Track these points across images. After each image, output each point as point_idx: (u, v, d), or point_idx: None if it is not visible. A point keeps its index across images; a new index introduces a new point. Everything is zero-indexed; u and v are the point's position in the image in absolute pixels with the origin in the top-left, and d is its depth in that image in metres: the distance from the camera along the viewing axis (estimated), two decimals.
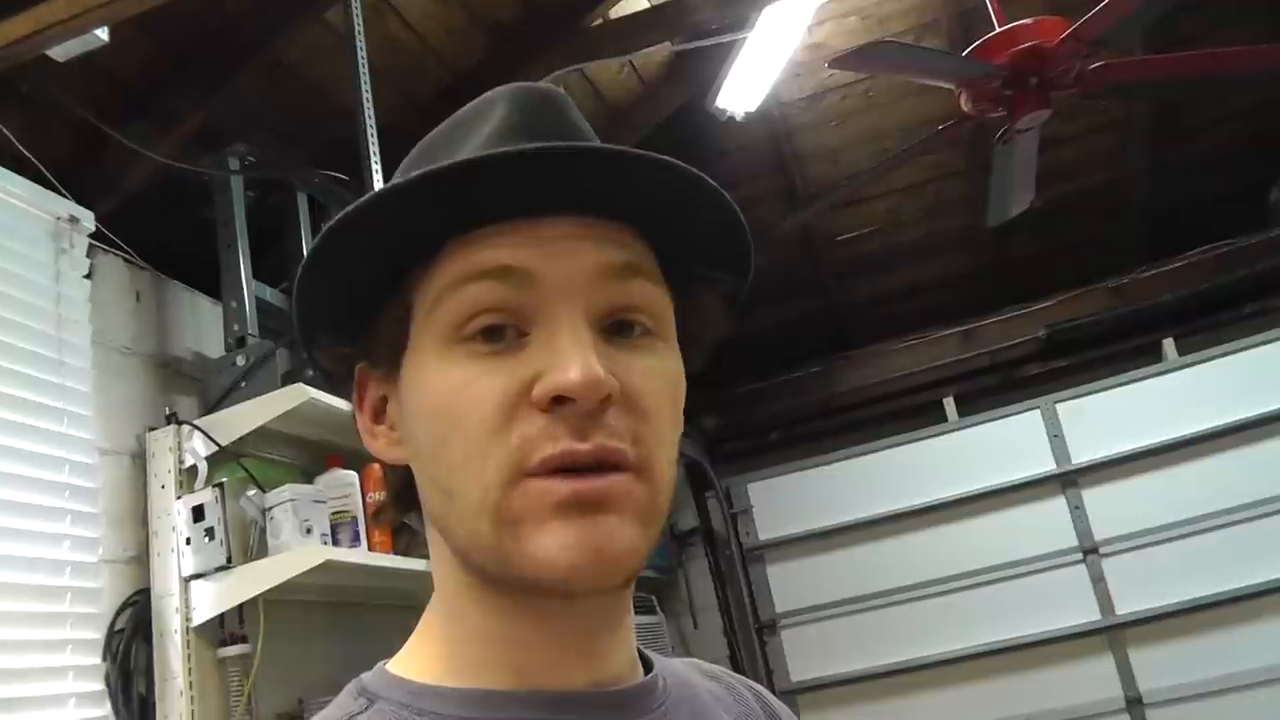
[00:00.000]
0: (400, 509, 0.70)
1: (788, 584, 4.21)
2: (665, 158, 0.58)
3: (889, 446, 4.21)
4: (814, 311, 4.71)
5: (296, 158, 2.72)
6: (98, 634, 2.10)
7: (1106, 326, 4.24)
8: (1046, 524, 3.91)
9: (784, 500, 4.26)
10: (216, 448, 2.26)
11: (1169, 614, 3.69)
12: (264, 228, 2.64)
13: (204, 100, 2.48)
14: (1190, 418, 3.80)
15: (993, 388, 4.40)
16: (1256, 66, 2.72)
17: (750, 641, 4.31)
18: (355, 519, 2.36)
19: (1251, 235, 4.13)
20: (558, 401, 0.56)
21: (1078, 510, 3.89)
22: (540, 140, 0.59)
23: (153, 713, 2.13)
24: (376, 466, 2.44)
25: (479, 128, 0.62)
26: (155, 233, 2.52)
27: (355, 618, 2.57)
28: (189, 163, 2.47)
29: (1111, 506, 3.85)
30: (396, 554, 2.42)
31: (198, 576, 2.18)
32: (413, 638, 0.67)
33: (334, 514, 2.33)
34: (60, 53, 1.95)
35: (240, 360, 2.42)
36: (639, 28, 3.28)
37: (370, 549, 2.38)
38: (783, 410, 4.59)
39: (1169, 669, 3.69)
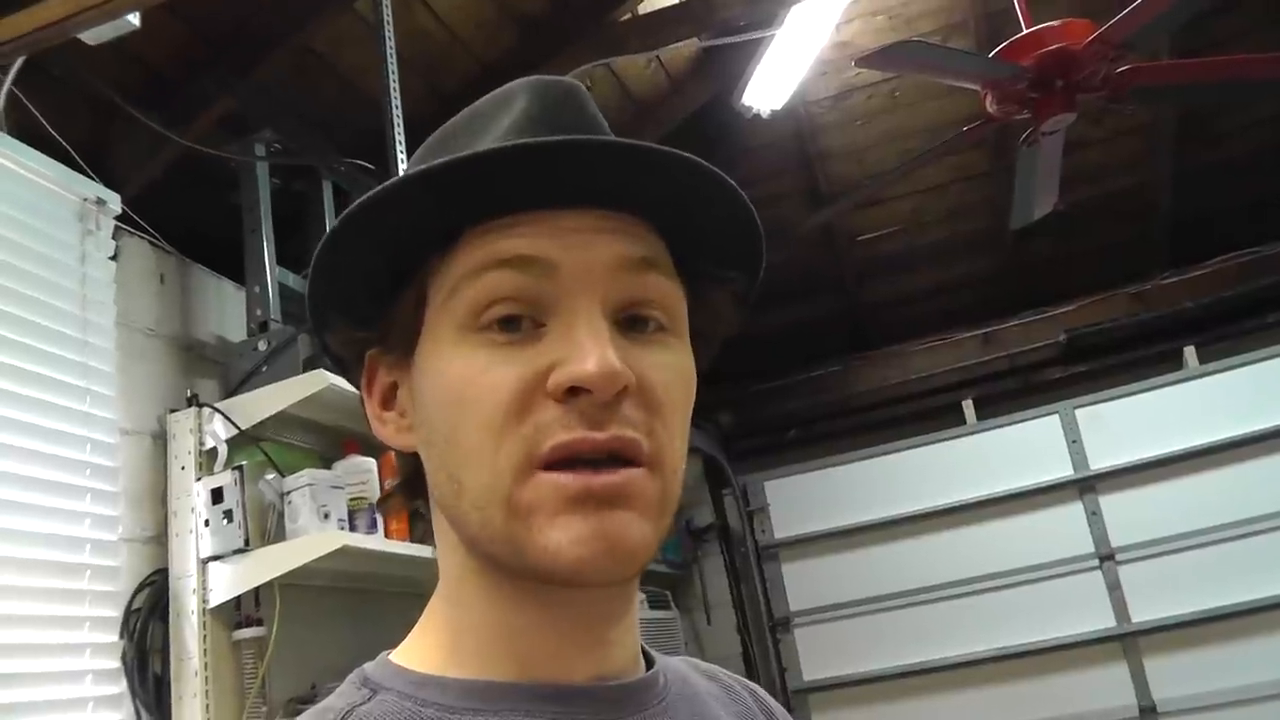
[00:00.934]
0: (408, 496, 0.70)
1: (802, 582, 4.21)
2: (684, 154, 0.58)
3: (907, 448, 4.19)
4: (834, 310, 4.70)
5: (322, 145, 2.74)
6: (116, 612, 2.12)
7: (1127, 332, 4.22)
8: (1063, 529, 3.89)
9: (800, 498, 4.25)
10: (237, 431, 2.28)
11: (1184, 623, 3.67)
12: (288, 214, 2.66)
13: (232, 86, 2.50)
14: (1210, 426, 3.77)
15: (1012, 391, 4.39)
16: None
17: (763, 639, 4.31)
18: (372, 505, 2.37)
19: (1276, 244, 4.10)
20: (573, 392, 0.56)
21: (1094, 516, 3.87)
22: (560, 133, 0.60)
23: (168, 692, 2.15)
24: (394, 455, 2.47)
25: (499, 119, 0.62)
26: (181, 216, 2.54)
27: (370, 604, 2.58)
28: (216, 148, 2.49)
29: (1129, 513, 3.83)
30: (413, 541, 2.44)
31: (215, 558, 2.20)
32: (417, 627, 0.67)
33: (351, 500, 2.35)
34: (92, 37, 1.97)
35: (262, 345, 2.44)
36: (667, 23, 3.28)
37: (387, 536, 2.39)
38: (801, 408, 4.58)
39: (1183, 678, 3.66)
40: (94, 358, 2.18)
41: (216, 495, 2.22)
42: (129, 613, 2.15)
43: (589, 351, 0.56)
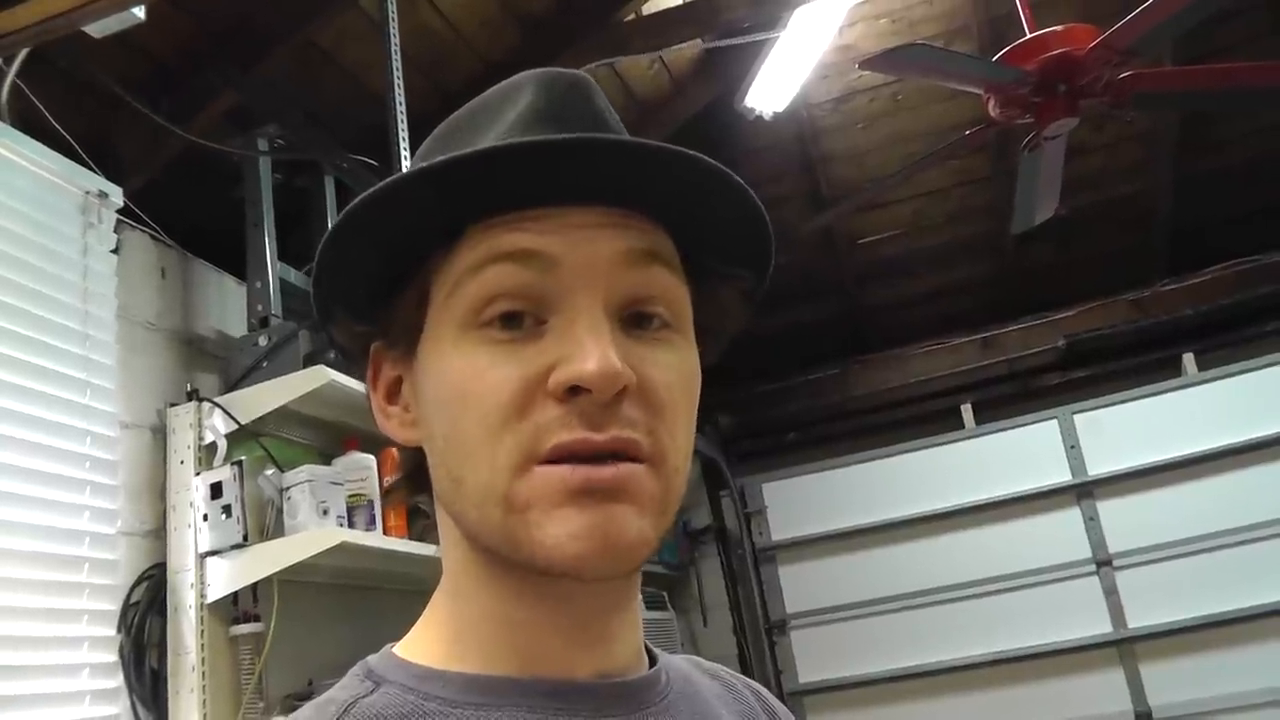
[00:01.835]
0: (411, 490, 0.70)
1: (799, 585, 4.21)
2: (691, 152, 0.57)
3: (905, 451, 4.20)
4: (834, 313, 4.70)
5: (326, 141, 2.74)
6: (114, 605, 2.12)
7: (1126, 339, 4.23)
8: (1060, 535, 3.90)
9: (798, 501, 4.26)
10: (236, 426, 2.28)
11: (1181, 629, 3.68)
12: (291, 209, 2.66)
13: (236, 81, 2.50)
14: (1208, 433, 3.78)
15: (1010, 396, 4.39)
16: None
17: (759, 641, 4.31)
18: (372, 502, 2.37)
19: (1275, 252, 4.11)
20: (573, 391, 0.56)
21: (1092, 522, 3.87)
22: (566, 127, 0.59)
23: (164, 686, 2.14)
24: (394, 451, 2.47)
25: (504, 112, 0.62)
26: (183, 211, 2.54)
27: (368, 601, 2.58)
28: (219, 142, 2.50)
29: (1126, 519, 3.83)
30: (411, 539, 2.44)
31: (213, 553, 2.20)
32: (420, 621, 0.67)
33: (350, 496, 2.34)
34: (97, 29, 1.97)
35: (263, 340, 2.43)
36: (671, 24, 3.28)
37: (385, 533, 2.39)
38: (800, 411, 4.59)
39: (1179, 684, 3.67)
40: (95, 351, 2.18)
41: (215, 490, 2.21)
42: (127, 606, 2.15)
43: (589, 351, 0.55)
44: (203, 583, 2.19)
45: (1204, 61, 2.99)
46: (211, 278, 2.63)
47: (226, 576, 2.18)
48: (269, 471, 2.31)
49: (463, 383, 0.58)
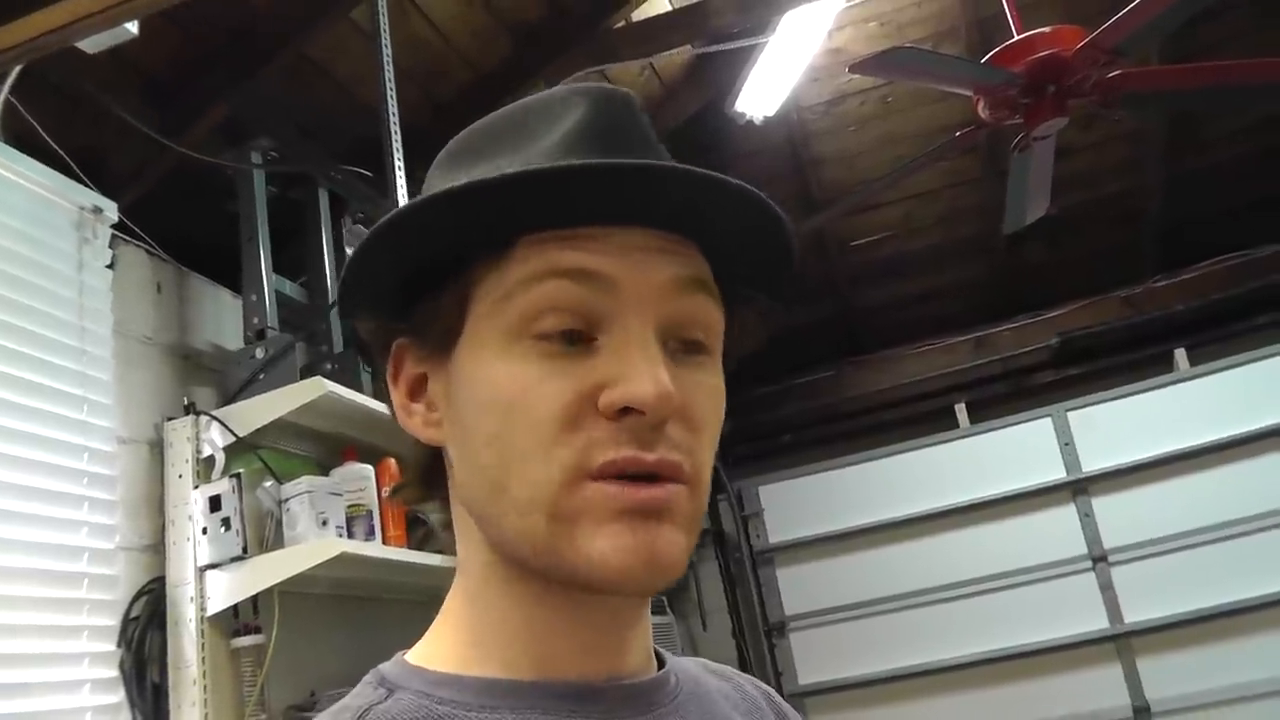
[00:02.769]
0: (422, 492, 0.71)
1: (797, 587, 4.22)
2: (746, 185, 0.59)
3: (900, 452, 4.22)
4: (827, 315, 4.71)
5: (319, 153, 2.75)
6: (113, 620, 2.11)
7: (1119, 336, 4.25)
8: (1056, 531, 3.92)
9: (795, 503, 4.27)
10: (234, 439, 2.28)
11: (1177, 623, 3.70)
12: (285, 222, 2.66)
13: (229, 94, 2.50)
14: (1201, 428, 3.80)
15: (1004, 395, 4.41)
16: (1273, 79, 2.72)
17: (759, 644, 4.32)
18: (371, 513, 2.37)
19: (1265, 247, 4.13)
20: (624, 412, 0.57)
21: (1087, 518, 3.89)
22: (617, 146, 0.60)
23: (166, 701, 2.14)
24: (392, 461, 2.47)
25: (554, 123, 0.62)
26: (177, 225, 2.54)
27: (368, 611, 2.58)
28: (212, 156, 2.50)
29: (1121, 515, 3.85)
30: (411, 548, 2.44)
31: (213, 566, 2.20)
32: (433, 627, 0.68)
33: (350, 507, 2.34)
34: (90, 45, 1.97)
35: (259, 353, 2.44)
36: (660, 30, 3.29)
37: (385, 543, 2.39)
38: (795, 414, 4.60)
39: (1177, 678, 3.69)
40: (91, 366, 2.18)
41: (214, 503, 2.21)
42: (127, 621, 2.14)
43: (645, 374, 0.57)
44: (203, 596, 2.19)
45: (1191, 60, 3.01)
46: (207, 291, 2.63)
47: (226, 589, 2.18)
48: (267, 483, 2.31)
49: (511, 392, 0.59)
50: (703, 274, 0.63)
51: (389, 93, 2.47)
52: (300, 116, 2.73)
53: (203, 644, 2.16)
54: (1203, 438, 3.79)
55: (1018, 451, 4.03)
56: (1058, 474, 3.96)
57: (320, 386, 2.26)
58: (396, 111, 2.47)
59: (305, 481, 2.27)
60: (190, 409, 2.33)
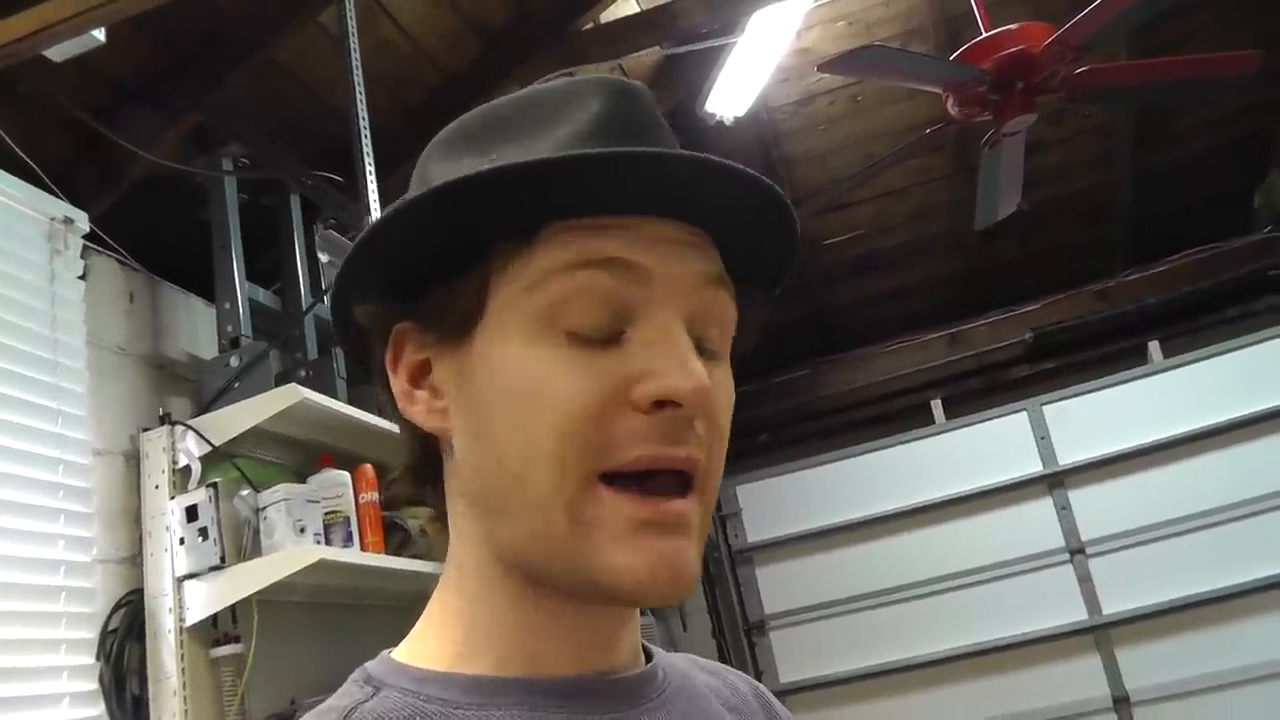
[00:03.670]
0: (416, 482, 0.69)
1: (776, 585, 4.23)
2: (769, 182, 0.59)
3: (877, 449, 4.23)
4: (801, 315, 4.73)
5: (289, 159, 2.74)
6: (92, 633, 2.10)
7: (1092, 329, 4.28)
8: (1033, 525, 3.94)
9: (772, 502, 4.28)
10: (210, 448, 2.27)
11: (1155, 613, 3.73)
12: (257, 229, 2.65)
13: (198, 101, 2.49)
14: (1175, 419, 3.84)
15: (979, 390, 4.44)
16: (1236, 72, 2.76)
17: (739, 643, 4.33)
18: (348, 519, 2.36)
19: (1234, 239, 4.18)
20: (659, 405, 0.56)
21: (1064, 511, 3.92)
22: (638, 138, 0.60)
23: (146, 712, 2.12)
24: (369, 467, 2.47)
25: (573, 112, 0.61)
26: (149, 234, 2.53)
27: (348, 618, 2.57)
28: (183, 164, 2.48)
29: (1098, 507, 3.88)
30: (389, 554, 2.44)
31: (191, 576, 2.18)
32: (420, 624, 0.67)
33: (327, 514, 2.33)
34: (57, 53, 1.96)
35: (233, 361, 2.42)
36: (629, 31, 3.30)
37: (363, 549, 2.38)
38: (770, 413, 4.61)
39: (1155, 668, 3.72)
40: (65, 378, 2.16)
41: (191, 513, 2.20)
42: (105, 634, 2.13)
43: (682, 366, 0.56)
44: (181, 606, 2.18)
45: (1158, 55, 3.04)
46: (180, 300, 2.62)
47: (205, 599, 2.17)
48: (244, 492, 2.30)
49: (538, 382, 0.58)
50: (723, 270, 0.62)
51: (358, 96, 2.46)
52: (270, 122, 2.72)
53: (182, 654, 2.15)
54: (1178, 429, 3.83)
55: (994, 446, 4.05)
56: (1034, 467, 3.98)
57: (295, 393, 2.24)
58: (366, 115, 2.46)
59: (282, 489, 2.26)
60: (165, 419, 2.32)
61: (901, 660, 3.98)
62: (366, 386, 2.54)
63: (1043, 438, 4.00)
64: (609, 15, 3.35)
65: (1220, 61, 2.78)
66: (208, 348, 2.57)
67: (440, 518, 0.68)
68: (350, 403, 2.47)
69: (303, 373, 2.53)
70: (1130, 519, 3.82)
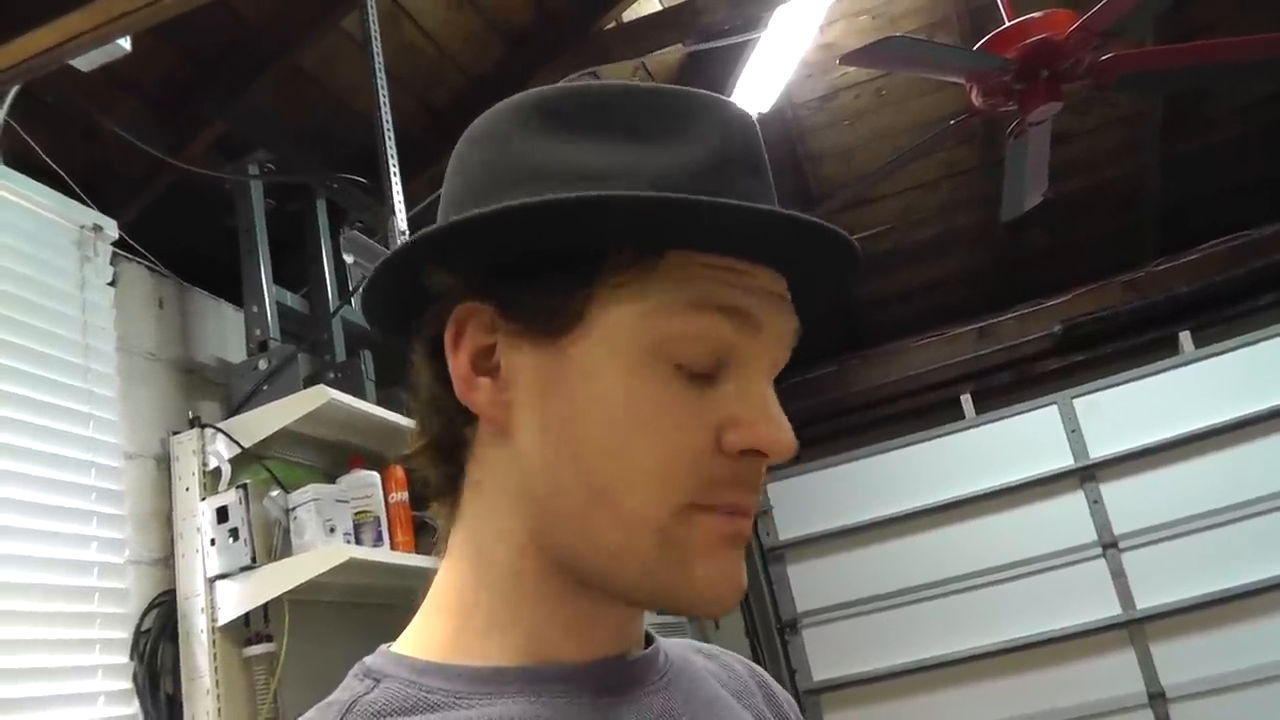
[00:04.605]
0: (435, 459, 0.67)
1: (808, 583, 4.22)
2: (857, 249, 0.62)
3: (907, 444, 4.21)
4: (828, 311, 4.70)
5: (315, 164, 2.76)
6: (125, 634, 2.13)
7: (1122, 320, 4.24)
8: (1065, 519, 3.90)
9: (803, 500, 4.27)
10: (239, 450, 2.29)
11: (1190, 607, 3.68)
12: (284, 234, 2.67)
13: (224, 109, 2.52)
14: (1208, 410, 3.79)
15: (1009, 384, 4.41)
16: (1268, 55, 2.72)
17: (772, 641, 4.32)
18: (378, 519, 2.38)
19: (1266, 226, 4.13)
20: (746, 453, 0.59)
21: (1096, 505, 3.88)
22: (754, 172, 0.62)
23: (180, 711, 2.15)
24: (398, 468, 2.48)
25: (698, 130, 0.61)
26: (177, 240, 2.56)
27: (378, 617, 2.59)
28: (210, 170, 2.51)
29: (1130, 500, 3.84)
30: (419, 553, 2.45)
31: (222, 577, 2.21)
32: (421, 615, 0.67)
33: (357, 514, 2.35)
34: (84, 63, 1.99)
35: (262, 364, 2.45)
36: (651, 29, 3.30)
37: (393, 548, 2.40)
38: (799, 410, 4.58)
39: (1191, 663, 3.68)
40: (96, 383, 2.19)
41: (221, 514, 2.23)
42: (139, 634, 2.16)
43: (776, 421, 0.59)
44: (213, 606, 2.21)
45: (1185, 40, 3.00)
46: (209, 305, 2.65)
47: (236, 599, 2.20)
48: (274, 493, 2.32)
49: (645, 413, 0.58)
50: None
51: (383, 100, 2.48)
52: (295, 128, 2.75)
53: (215, 654, 2.17)
54: (1210, 420, 3.78)
55: (1025, 440, 4.02)
56: (1065, 461, 3.95)
57: (323, 395, 2.27)
58: (391, 119, 2.48)
59: (312, 489, 2.29)
60: (195, 422, 2.35)
61: (934, 657, 3.95)
62: (395, 389, 2.56)
63: (1074, 431, 3.96)
64: (631, 14, 3.35)
65: (1250, 45, 2.75)
66: (236, 351, 2.60)
67: (446, 500, 0.67)
68: (379, 404, 2.49)
69: (331, 375, 2.56)
70: (1163, 512, 3.78)
